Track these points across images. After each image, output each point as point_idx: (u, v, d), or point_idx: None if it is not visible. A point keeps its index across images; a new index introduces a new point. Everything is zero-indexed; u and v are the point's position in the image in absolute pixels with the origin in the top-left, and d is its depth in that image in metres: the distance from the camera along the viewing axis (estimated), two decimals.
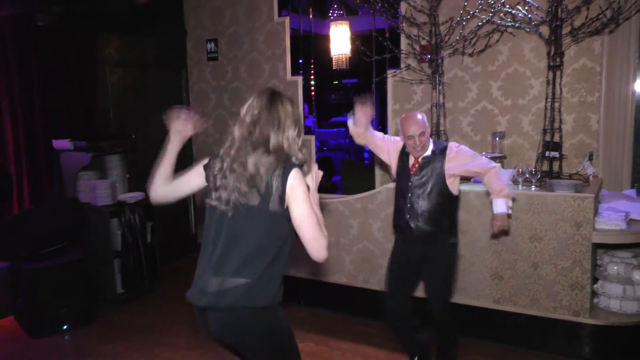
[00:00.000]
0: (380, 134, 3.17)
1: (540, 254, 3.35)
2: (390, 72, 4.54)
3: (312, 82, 5.29)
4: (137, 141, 4.92)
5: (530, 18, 3.64)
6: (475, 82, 4.26)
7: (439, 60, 3.97)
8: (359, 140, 3.19)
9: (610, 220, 3.21)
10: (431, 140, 2.97)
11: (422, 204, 2.89)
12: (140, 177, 5.18)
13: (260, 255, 1.89)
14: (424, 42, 4.14)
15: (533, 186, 3.44)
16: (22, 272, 3.91)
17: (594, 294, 3.42)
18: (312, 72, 5.26)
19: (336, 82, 8.85)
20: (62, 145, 4.45)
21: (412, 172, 2.94)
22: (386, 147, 3.12)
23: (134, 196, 4.61)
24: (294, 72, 5.22)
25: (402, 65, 4.39)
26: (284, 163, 1.87)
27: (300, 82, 5.19)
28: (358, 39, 4.54)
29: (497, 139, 4.05)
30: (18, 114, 4.65)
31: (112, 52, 5.18)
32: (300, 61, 5.28)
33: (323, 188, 2.17)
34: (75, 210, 4.28)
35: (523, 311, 3.44)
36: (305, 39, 5.19)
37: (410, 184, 2.93)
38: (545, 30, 3.64)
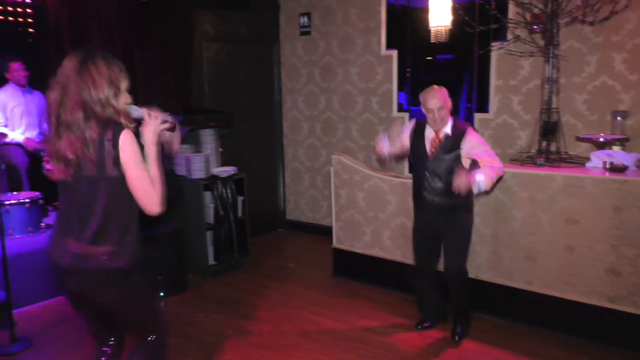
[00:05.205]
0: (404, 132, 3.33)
1: None
2: (495, 45, 4.19)
3: (407, 58, 5.03)
4: (231, 116, 4.97)
5: None
6: (594, 54, 3.80)
7: (554, 30, 3.57)
8: (391, 155, 3.41)
9: None
10: (451, 119, 3.11)
11: (440, 181, 3.10)
12: (232, 151, 5.30)
13: (110, 222, 1.92)
14: (536, 10, 3.74)
15: None
16: None
17: None
18: (408, 46, 4.99)
19: (430, 58, 8.46)
20: None
21: (430, 152, 3.14)
22: (404, 140, 3.30)
23: (226, 170, 4.67)
24: (389, 46, 4.99)
25: (510, 37, 4.02)
26: (110, 126, 1.85)
27: (395, 57, 4.97)
28: (460, 9, 4.20)
29: (619, 118, 3.61)
30: None
31: (207, 27, 5.23)
32: (396, 35, 5.03)
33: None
34: (173, 182, 4.39)
35: None
36: (402, 11, 4.93)
37: (428, 162, 3.14)
38: None
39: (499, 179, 3.22)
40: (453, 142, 3.07)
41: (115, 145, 1.85)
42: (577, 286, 3.28)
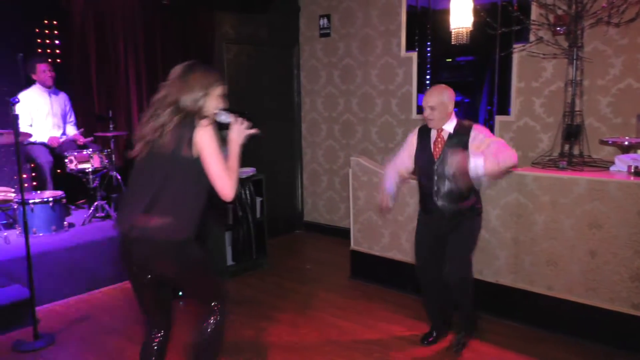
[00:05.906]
0: (399, 155, 3.27)
1: None
2: (517, 47, 4.14)
3: (428, 59, 5.01)
4: (251, 117, 4.99)
5: None
6: (619, 56, 3.74)
7: (578, 32, 3.52)
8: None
9: None
10: (455, 120, 3.02)
11: (449, 184, 3.00)
12: (251, 152, 5.31)
13: (175, 197, 2.16)
14: (560, 12, 3.69)
15: None
16: None
17: None
18: (428, 48, 4.97)
19: (449, 60, 8.41)
20: None
21: (435, 157, 3.04)
22: (407, 152, 3.22)
23: (245, 172, 4.69)
24: (409, 48, 4.97)
25: (532, 38, 3.97)
26: (193, 118, 2.14)
27: (415, 59, 4.95)
28: (481, 10, 4.16)
29: None
30: (143, 88, 4.92)
31: (228, 29, 5.27)
32: (416, 37, 5.01)
33: None
34: None
35: None
36: (423, 13, 4.91)
37: (435, 167, 3.04)
38: None
39: (512, 168, 3.04)
40: (458, 140, 2.96)
41: (192, 130, 2.11)
42: (599, 292, 3.22)
